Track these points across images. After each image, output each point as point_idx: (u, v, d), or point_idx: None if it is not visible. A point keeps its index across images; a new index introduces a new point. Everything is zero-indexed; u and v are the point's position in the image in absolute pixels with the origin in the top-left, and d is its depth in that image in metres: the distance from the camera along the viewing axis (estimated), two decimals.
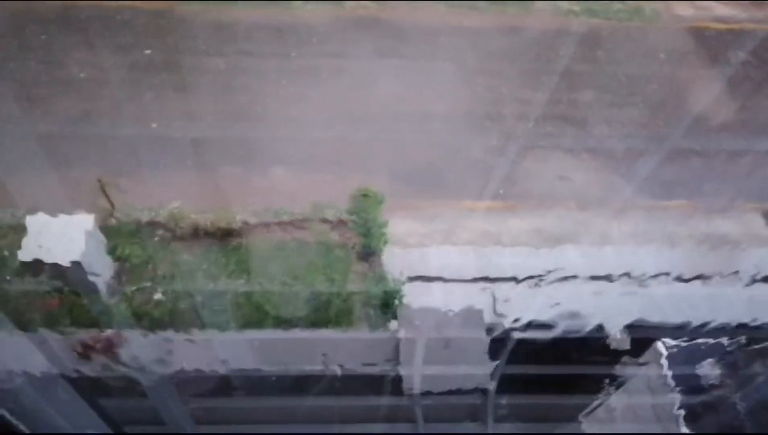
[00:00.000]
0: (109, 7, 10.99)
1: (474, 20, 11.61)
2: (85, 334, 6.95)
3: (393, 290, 7.71)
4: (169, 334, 7.33)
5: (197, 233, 8.18)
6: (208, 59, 10.58)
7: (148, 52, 10.53)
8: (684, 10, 12.15)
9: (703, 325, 8.57)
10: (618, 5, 12.01)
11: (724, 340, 7.73)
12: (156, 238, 8.00)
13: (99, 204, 7.80)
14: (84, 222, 7.16)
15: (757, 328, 8.30)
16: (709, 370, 7.17)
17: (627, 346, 8.59)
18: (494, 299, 8.70)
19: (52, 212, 7.35)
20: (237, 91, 10.29)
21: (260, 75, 10.49)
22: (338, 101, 10.32)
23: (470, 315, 7.78)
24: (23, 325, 7.08)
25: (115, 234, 7.90)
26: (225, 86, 10.32)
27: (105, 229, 7.66)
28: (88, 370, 6.82)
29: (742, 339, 7.19)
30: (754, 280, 9.18)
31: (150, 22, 10.90)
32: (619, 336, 8.69)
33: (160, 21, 10.96)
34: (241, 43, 10.85)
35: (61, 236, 7.03)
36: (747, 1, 12.23)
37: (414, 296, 7.98)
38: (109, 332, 6.97)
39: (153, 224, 8.20)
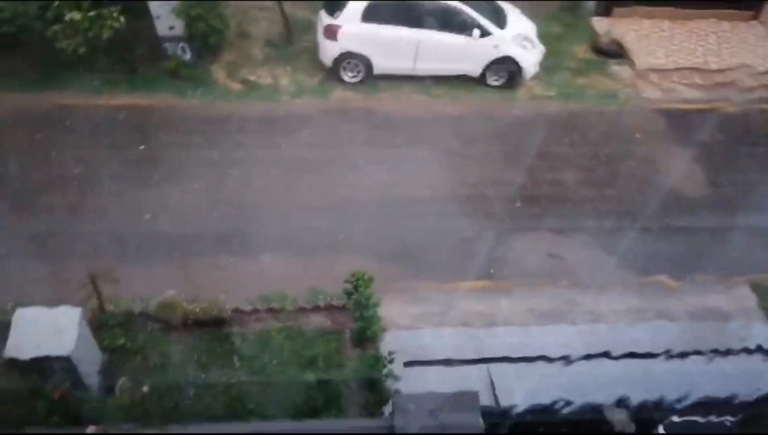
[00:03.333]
0: (104, 105, 11.40)
1: (456, 108, 12.15)
2: (74, 430, 6.72)
3: (385, 375, 7.57)
4: (156, 429, 7.08)
5: (188, 323, 8.10)
6: (200, 152, 10.89)
7: (141, 147, 10.83)
8: (653, 93, 12.82)
9: (702, 400, 8.46)
10: (591, 91, 12.66)
11: (727, 417, 7.61)
12: (146, 329, 7.92)
13: (89, 297, 7.73)
14: (72, 315, 7.08)
15: (754, 401, 8.20)
16: None
17: (631, 428, 8.40)
18: (491, 380, 8.57)
19: (41, 306, 7.28)
20: (229, 181, 10.54)
21: (251, 165, 10.77)
22: (327, 188, 10.57)
23: (466, 398, 7.60)
24: (7, 425, 6.85)
25: (105, 326, 7.80)
26: (218, 177, 10.56)
27: (95, 321, 7.57)
28: None
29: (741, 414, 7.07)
30: (748, 352, 9.16)
31: (144, 119, 11.28)
32: (622, 417, 8.51)
33: (154, 117, 11.36)
34: (233, 136, 11.22)
35: (49, 330, 6.93)
36: (709, 84, 12.97)
37: (407, 380, 7.84)
38: (95, 428, 6.75)
39: (143, 315, 8.13)
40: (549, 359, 8.93)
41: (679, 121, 12.25)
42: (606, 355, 9.05)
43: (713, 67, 13.07)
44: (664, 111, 12.46)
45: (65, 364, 6.77)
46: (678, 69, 13.01)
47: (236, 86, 12.13)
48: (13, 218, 9.56)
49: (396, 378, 7.73)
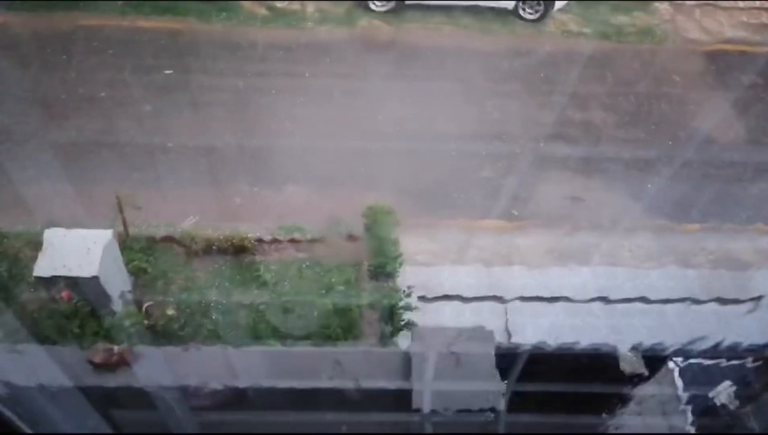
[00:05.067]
0: (129, 27, 11.27)
1: (485, 42, 11.78)
2: (100, 348, 7.02)
3: (404, 306, 7.72)
4: (182, 348, 7.38)
5: (211, 249, 8.27)
6: (224, 78, 10.79)
7: (168, 72, 10.75)
8: (694, 32, 12.25)
9: (715, 345, 8.50)
10: (629, 27, 12.14)
11: (737, 362, 7.66)
12: (171, 254, 8.10)
13: (116, 219, 7.90)
14: (101, 236, 7.25)
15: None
16: (723, 391, 7.10)
17: (641, 367, 8.51)
18: (506, 318, 8.69)
19: (69, 227, 7.46)
20: (253, 109, 10.47)
21: (275, 94, 10.67)
22: (351, 120, 10.46)
23: (481, 333, 7.76)
24: (38, 338, 7.16)
25: (131, 249, 8.00)
26: (241, 104, 10.49)
27: (121, 244, 7.75)
28: (101, 382, 6.88)
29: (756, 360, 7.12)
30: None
31: (169, 43, 11.15)
32: (632, 357, 8.62)
33: (179, 41, 11.22)
34: (257, 64, 11.06)
35: (78, 251, 7.11)
36: (757, 23, 12.33)
37: (425, 313, 7.99)
38: (122, 347, 7.05)
39: (168, 240, 8.30)
40: (565, 299, 8.99)
41: (721, 64, 11.74)
42: (622, 298, 9.07)
43: (759, 5, 12.41)
44: (705, 52, 11.93)
45: (92, 285, 6.98)
46: (725, 7, 12.36)
47: (261, 11, 11.86)
48: (37, 141, 9.66)
49: (412, 310, 7.87)
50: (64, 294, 6.98)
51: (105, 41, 11.07)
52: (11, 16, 11.17)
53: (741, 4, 12.50)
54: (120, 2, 11.50)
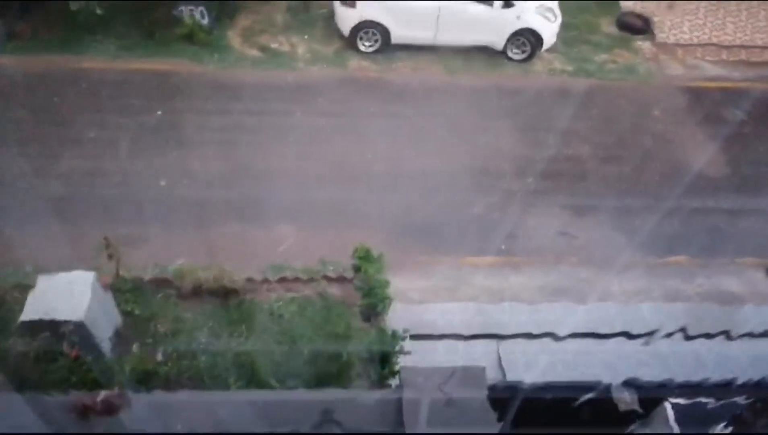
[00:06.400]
0: (121, 69, 11.38)
1: (473, 81, 11.99)
2: (86, 395, 6.87)
3: (394, 348, 7.64)
4: (169, 394, 7.24)
5: (200, 291, 8.20)
6: (216, 118, 10.88)
7: (158, 113, 10.82)
8: (676, 69, 12.53)
9: (709, 383, 8.46)
10: (613, 66, 12.40)
11: (732, 400, 7.60)
12: (159, 296, 8.03)
13: (104, 262, 7.84)
14: (86, 279, 7.18)
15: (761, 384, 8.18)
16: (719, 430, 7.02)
17: (636, 406, 8.43)
18: (499, 357, 8.63)
19: (56, 270, 7.39)
20: (244, 148, 10.55)
21: (266, 133, 10.76)
22: (340, 158, 10.55)
23: (474, 373, 7.68)
24: (20, 386, 7.01)
25: (119, 291, 7.92)
26: (232, 144, 10.57)
27: (109, 286, 7.68)
28: (87, 429, 6.71)
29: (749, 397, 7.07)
30: (757, 336, 9.12)
31: (159, 84, 11.26)
32: (627, 396, 8.54)
33: (170, 82, 11.33)
34: (248, 103, 11.19)
35: (64, 294, 7.04)
36: (736, 61, 12.63)
37: (416, 353, 7.91)
38: (109, 392, 6.90)
39: (156, 282, 8.23)
40: (557, 337, 8.95)
41: (701, 99, 11.98)
42: (614, 334, 9.04)
43: (740, 43, 12.72)
44: (686, 88, 12.18)
45: (78, 329, 6.88)
46: (703, 45, 12.67)
47: (252, 52, 12.05)
48: (29, 181, 9.65)
49: (405, 353, 7.79)
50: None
51: (97, 83, 11.17)
52: (5, 59, 11.29)
53: (722, 41, 12.80)
54: (113, 46, 11.64)
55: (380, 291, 7.94)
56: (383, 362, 7.49)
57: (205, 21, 11.91)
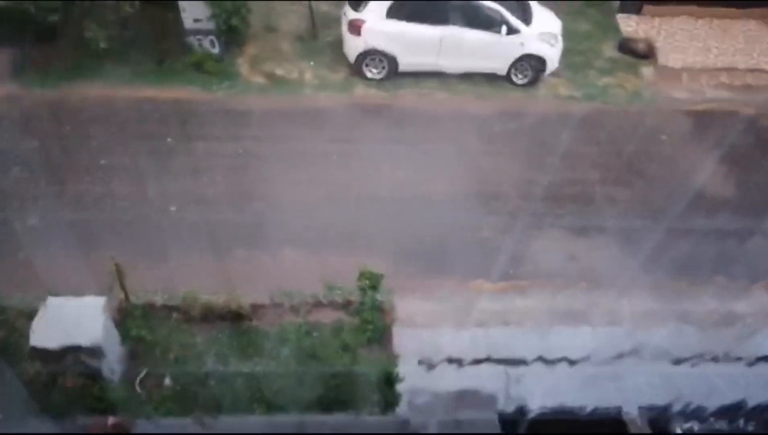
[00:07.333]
0: (131, 97, 11.58)
1: (479, 106, 12.10)
2: (95, 420, 6.90)
3: (401, 373, 7.64)
4: (178, 419, 7.25)
5: (209, 316, 8.25)
6: (225, 145, 11.02)
7: (168, 140, 10.99)
8: (680, 93, 12.61)
9: (720, 406, 8.38)
10: (617, 90, 12.51)
11: (744, 425, 7.51)
12: (168, 321, 8.08)
13: (113, 287, 7.91)
14: (95, 304, 7.25)
15: None
16: None
17: (647, 430, 8.37)
18: (507, 381, 8.59)
19: (66, 296, 7.46)
20: (252, 174, 10.66)
21: (275, 159, 10.87)
22: (347, 184, 10.64)
23: (482, 397, 7.66)
24: (31, 410, 7.04)
25: (128, 317, 7.98)
26: (241, 170, 10.69)
27: (118, 311, 7.75)
28: None
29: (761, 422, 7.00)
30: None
31: (170, 111, 11.43)
32: (637, 419, 8.49)
33: (180, 110, 11.51)
34: (257, 130, 11.33)
35: (74, 319, 7.10)
36: (741, 85, 12.72)
37: (422, 379, 7.90)
38: (118, 418, 6.92)
39: (166, 307, 8.29)
40: (566, 361, 8.91)
41: (706, 123, 12.05)
42: (624, 358, 9.00)
43: (742, 67, 12.82)
44: (691, 112, 12.26)
45: (93, 353, 6.92)
46: (708, 69, 12.78)
47: (261, 80, 12.23)
48: (40, 208, 9.79)
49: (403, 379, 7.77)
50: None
51: (109, 110, 11.36)
52: (18, 88, 11.52)
53: (727, 65, 12.92)
54: (124, 74, 11.85)
55: (373, 314, 7.94)
56: (393, 390, 7.48)
57: (216, 50, 12.15)
